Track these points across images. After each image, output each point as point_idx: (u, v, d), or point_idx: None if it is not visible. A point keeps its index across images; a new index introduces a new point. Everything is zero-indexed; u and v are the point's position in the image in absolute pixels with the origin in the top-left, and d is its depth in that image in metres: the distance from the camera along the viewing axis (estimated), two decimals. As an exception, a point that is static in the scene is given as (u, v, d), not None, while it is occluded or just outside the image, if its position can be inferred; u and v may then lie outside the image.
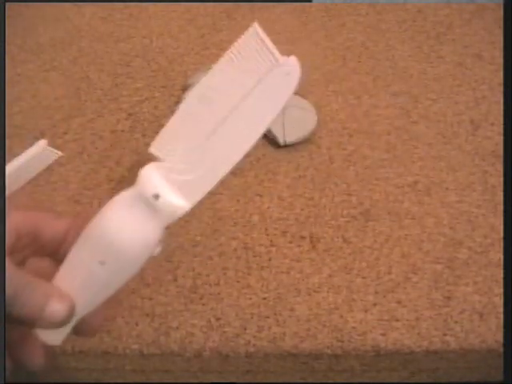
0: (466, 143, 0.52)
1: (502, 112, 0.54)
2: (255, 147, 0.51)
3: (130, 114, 0.55)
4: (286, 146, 0.51)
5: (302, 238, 0.45)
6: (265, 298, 0.42)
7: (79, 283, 0.33)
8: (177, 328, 0.41)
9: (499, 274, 0.43)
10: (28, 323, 0.32)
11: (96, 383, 0.44)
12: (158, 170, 0.32)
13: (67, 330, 0.34)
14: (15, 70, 0.59)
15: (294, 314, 0.41)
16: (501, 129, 0.53)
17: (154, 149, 0.33)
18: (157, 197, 0.31)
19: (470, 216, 0.46)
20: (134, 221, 0.32)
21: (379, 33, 0.63)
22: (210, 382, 0.43)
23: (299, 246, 0.45)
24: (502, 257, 0.44)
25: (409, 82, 0.58)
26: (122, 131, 0.53)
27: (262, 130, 0.32)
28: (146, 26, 0.64)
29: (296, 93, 0.54)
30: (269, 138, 0.52)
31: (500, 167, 0.50)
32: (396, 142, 0.52)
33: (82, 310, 0.33)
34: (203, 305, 0.42)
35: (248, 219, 0.46)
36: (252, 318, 0.41)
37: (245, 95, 0.31)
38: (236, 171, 0.50)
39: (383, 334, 0.40)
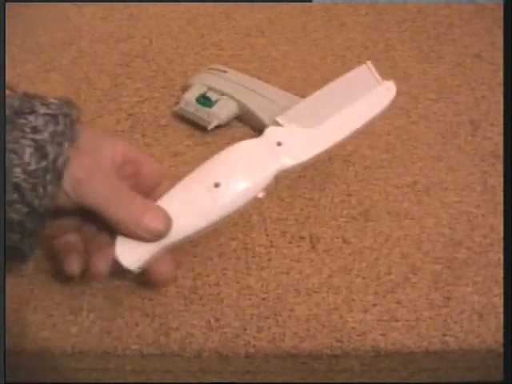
0: (466, 143, 0.52)
1: (501, 112, 0.54)
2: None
3: (129, 114, 0.55)
4: (285, 146, 0.51)
5: (302, 238, 0.45)
6: (264, 299, 0.42)
7: (184, 205, 0.36)
8: (177, 328, 0.41)
9: (499, 274, 0.43)
10: (121, 228, 0.35)
11: (96, 383, 0.44)
12: (283, 130, 0.40)
13: (145, 256, 0.36)
14: (15, 70, 0.59)
15: (294, 315, 0.41)
16: (501, 129, 0.53)
17: (279, 118, 0.41)
18: (279, 144, 0.39)
19: (470, 216, 0.47)
20: (254, 157, 0.38)
21: (379, 33, 0.63)
22: (210, 382, 0.43)
23: (299, 246, 0.45)
24: (501, 257, 0.44)
25: (409, 82, 0.58)
26: (122, 131, 0.53)
27: (361, 123, 0.42)
28: (145, 26, 0.64)
29: (296, 93, 0.54)
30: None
31: (500, 167, 0.50)
32: (396, 142, 0.52)
33: (177, 235, 0.36)
34: (203, 305, 0.42)
35: (247, 219, 0.46)
36: (252, 318, 0.41)
37: (355, 99, 0.42)
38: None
39: (383, 335, 0.40)
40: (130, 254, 0.36)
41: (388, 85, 0.44)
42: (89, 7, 0.67)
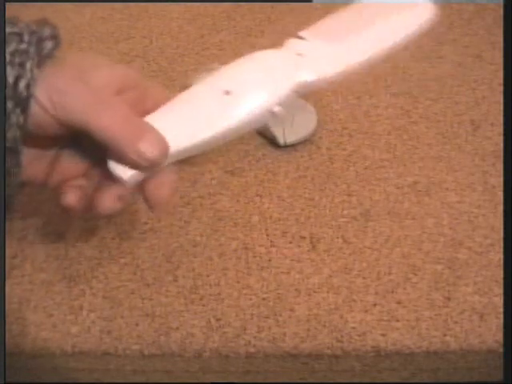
0: (466, 143, 0.52)
1: (502, 112, 0.54)
2: (255, 147, 0.52)
3: (129, 114, 0.54)
4: (286, 146, 0.51)
5: (302, 238, 0.45)
6: (265, 299, 0.42)
7: (189, 112, 0.33)
8: (177, 328, 0.41)
9: (499, 274, 0.43)
10: (111, 147, 0.30)
11: (96, 383, 0.44)
12: (304, 42, 0.37)
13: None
14: (15, 70, 0.59)
15: (294, 315, 0.41)
16: (501, 129, 0.53)
17: (302, 32, 0.37)
18: (300, 55, 0.36)
19: (470, 216, 0.46)
20: (272, 65, 0.35)
21: (379, 33, 0.63)
22: (210, 382, 0.43)
23: (299, 246, 0.45)
24: (502, 257, 0.44)
25: (409, 82, 0.57)
26: (122, 131, 0.53)
27: (391, 42, 0.39)
28: (145, 26, 0.64)
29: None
30: (269, 139, 0.52)
31: (500, 167, 0.50)
32: (396, 142, 0.52)
33: (179, 144, 0.32)
34: (203, 305, 0.42)
35: (248, 219, 0.46)
36: (252, 318, 0.41)
37: (387, 16, 0.39)
38: (236, 171, 0.50)
39: (383, 335, 0.40)
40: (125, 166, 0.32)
41: (426, 4, 0.41)
42: (89, 7, 0.67)
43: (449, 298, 0.42)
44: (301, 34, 0.37)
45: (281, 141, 0.50)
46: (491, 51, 0.61)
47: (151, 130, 0.31)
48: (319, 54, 0.36)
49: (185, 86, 0.55)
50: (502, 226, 0.46)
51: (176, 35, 0.63)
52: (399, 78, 0.58)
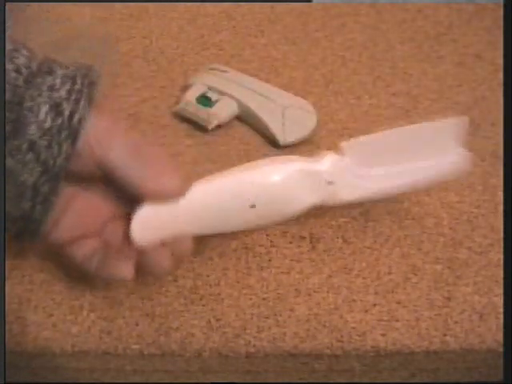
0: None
1: (502, 112, 0.54)
2: (255, 147, 0.52)
3: (129, 114, 0.55)
4: (285, 146, 0.51)
5: (302, 238, 0.45)
6: (265, 299, 0.42)
7: (218, 210, 0.37)
8: (177, 328, 0.41)
9: (499, 274, 0.43)
10: (138, 190, 0.34)
11: (96, 383, 0.44)
12: (340, 163, 0.37)
13: (159, 236, 0.35)
14: (15, 70, 0.59)
15: (294, 315, 0.41)
16: (501, 129, 0.53)
17: (345, 144, 0.37)
18: (331, 183, 0.37)
19: (470, 216, 0.47)
20: (297, 186, 0.37)
21: (379, 33, 0.63)
22: (210, 382, 0.43)
23: (299, 246, 0.45)
24: (501, 257, 0.44)
25: (409, 82, 0.57)
26: (122, 131, 0.53)
27: (419, 184, 0.40)
28: (146, 25, 0.64)
29: (296, 93, 0.54)
30: (268, 138, 0.52)
31: (500, 167, 0.50)
32: (396, 142, 0.52)
33: (198, 229, 0.37)
34: (203, 305, 0.42)
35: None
36: (252, 318, 0.41)
37: (426, 154, 0.39)
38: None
39: (383, 335, 0.40)
40: (145, 229, 0.35)
41: (464, 154, 0.40)
42: (89, 7, 0.67)
43: (449, 298, 0.42)
44: (343, 145, 0.37)
45: (281, 141, 0.50)
46: (491, 51, 0.61)
47: (172, 165, 0.35)
48: (347, 182, 0.37)
49: (185, 86, 0.56)
50: (501, 226, 0.46)
51: (176, 35, 0.63)
52: (399, 77, 0.58)
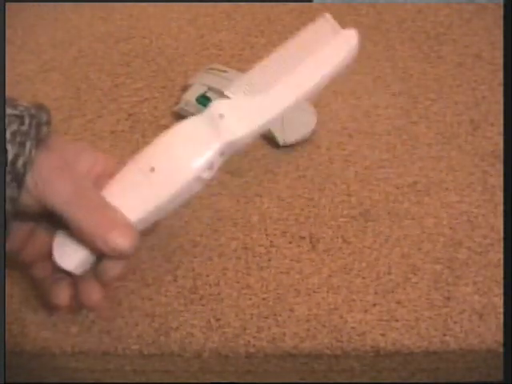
0: (466, 143, 0.52)
1: (502, 112, 0.54)
2: (255, 147, 0.52)
3: (130, 115, 0.55)
4: (285, 146, 0.51)
5: (302, 238, 0.45)
6: (264, 299, 0.42)
7: (125, 194, 0.34)
8: (177, 328, 0.41)
9: (499, 274, 0.43)
10: (84, 236, 0.32)
11: (96, 383, 0.44)
12: (227, 103, 0.36)
13: (82, 256, 0.34)
14: (15, 70, 0.59)
15: (294, 315, 0.41)
16: (501, 129, 0.53)
17: (226, 90, 0.36)
18: (221, 116, 0.35)
19: (470, 216, 0.47)
20: (192, 134, 0.35)
21: (379, 33, 0.63)
22: (210, 382, 0.43)
23: (299, 246, 0.45)
24: (501, 257, 0.44)
25: (409, 82, 0.57)
26: (122, 131, 0.53)
27: (317, 79, 0.37)
28: (145, 26, 0.64)
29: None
30: (268, 138, 0.52)
31: (500, 167, 0.50)
32: (396, 142, 0.52)
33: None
34: (203, 305, 0.42)
35: (248, 219, 0.46)
36: (252, 318, 0.41)
37: (310, 55, 0.37)
38: (236, 171, 0.50)
39: (383, 335, 0.40)
40: (70, 254, 0.34)
41: (348, 33, 0.38)
42: (89, 7, 0.67)
43: (448, 298, 0.42)
44: (225, 91, 0.36)
45: (280, 141, 0.50)
46: (491, 51, 0.61)
47: (123, 221, 0.33)
48: (241, 112, 0.36)
49: (185, 86, 0.56)
50: (501, 226, 0.46)
51: (176, 35, 0.63)
52: (399, 77, 0.58)
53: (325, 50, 0.38)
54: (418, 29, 0.64)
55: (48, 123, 0.33)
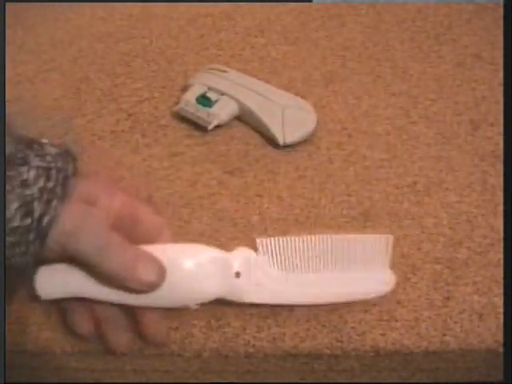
0: (466, 143, 0.52)
1: (502, 112, 0.54)
2: (255, 147, 0.52)
3: (129, 115, 0.55)
4: (285, 146, 0.51)
5: (302, 238, 0.45)
6: (264, 299, 0.42)
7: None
8: (177, 328, 0.41)
9: (499, 274, 0.43)
10: (112, 279, 0.33)
11: (96, 383, 0.44)
12: (251, 259, 0.36)
13: (61, 287, 0.35)
14: (15, 70, 0.59)
15: (294, 315, 0.41)
16: (501, 129, 0.53)
17: (260, 240, 0.37)
18: (238, 274, 0.36)
19: (470, 216, 0.47)
20: (207, 274, 0.36)
21: (379, 33, 0.63)
22: (210, 381, 0.43)
23: (299, 246, 0.45)
24: (501, 257, 0.44)
25: (409, 82, 0.58)
26: (122, 131, 0.53)
27: (337, 300, 0.39)
28: (146, 26, 0.64)
29: (296, 93, 0.54)
30: (269, 138, 0.52)
31: (500, 167, 0.50)
32: (396, 142, 0.52)
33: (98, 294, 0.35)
34: (203, 305, 0.42)
35: (248, 219, 0.46)
36: (251, 318, 0.41)
37: (348, 269, 0.38)
38: (236, 171, 0.50)
39: (383, 335, 0.40)
40: (50, 285, 0.35)
41: (389, 276, 0.39)
42: (89, 7, 0.67)
43: (448, 298, 0.42)
44: (259, 241, 0.37)
45: (280, 141, 0.50)
46: (491, 51, 0.61)
47: (147, 256, 0.34)
48: (256, 281, 0.36)
49: (185, 86, 0.56)
50: (501, 226, 0.46)
51: (176, 35, 0.63)
52: (399, 77, 0.58)
53: (362, 280, 0.38)
54: (417, 29, 0.64)
55: (74, 173, 0.33)
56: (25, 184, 0.31)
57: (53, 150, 0.33)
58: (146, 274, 0.33)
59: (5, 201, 0.32)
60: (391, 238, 0.38)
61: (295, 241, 0.38)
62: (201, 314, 0.41)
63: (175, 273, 0.35)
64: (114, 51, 0.61)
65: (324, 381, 0.43)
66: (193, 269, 0.36)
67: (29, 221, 0.31)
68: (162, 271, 0.34)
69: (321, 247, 0.38)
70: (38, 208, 0.31)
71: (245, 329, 0.40)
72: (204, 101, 0.52)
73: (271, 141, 0.51)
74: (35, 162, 0.31)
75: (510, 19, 0.50)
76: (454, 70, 0.59)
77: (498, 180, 0.49)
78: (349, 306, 0.41)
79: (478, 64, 0.59)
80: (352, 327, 0.40)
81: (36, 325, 0.41)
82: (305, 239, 0.38)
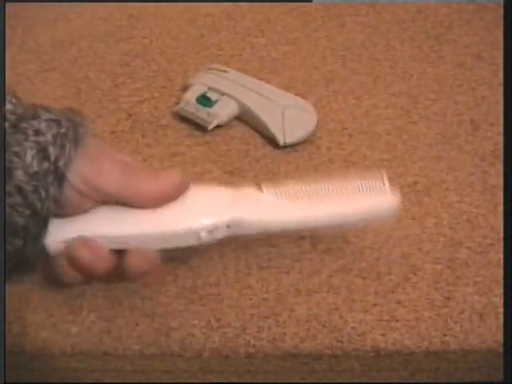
0: (466, 143, 0.52)
1: (502, 112, 0.54)
2: (255, 147, 0.52)
3: (130, 115, 0.55)
4: (285, 146, 0.51)
5: (302, 238, 0.45)
6: (265, 299, 0.42)
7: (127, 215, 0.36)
8: (177, 328, 0.41)
9: (499, 274, 0.43)
10: (139, 193, 0.36)
11: (96, 383, 0.44)
12: (257, 193, 0.38)
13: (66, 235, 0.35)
14: (15, 70, 0.59)
15: (294, 315, 0.41)
16: (501, 129, 0.53)
17: (264, 186, 0.38)
18: (244, 195, 0.38)
19: (470, 216, 0.46)
20: (214, 196, 0.38)
21: (379, 33, 0.63)
22: (210, 382, 0.43)
23: (299, 246, 0.45)
24: (501, 257, 0.44)
25: (409, 82, 0.58)
26: (122, 131, 0.53)
27: (342, 221, 0.39)
28: (145, 26, 0.64)
29: (296, 93, 0.54)
30: (268, 138, 0.52)
31: (500, 167, 0.50)
32: (396, 142, 0.52)
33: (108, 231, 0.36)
34: (203, 305, 0.42)
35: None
36: (252, 318, 0.41)
37: (350, 199, 0.38)
38: (236, 171, 0.50)
39: (383, 335, 0.40)
40: (56, 232, 0.36)
41: (392, 198, 0.38)
42: (89, 7, 0.67)
43: (448, 298, 0.42)
44: (262, 186, 0.38)
45: (280, 141, 0.50)
46: (491, 51, 0.61)
47: (166, 171, 0.37)
48: (262, 205, 0.38)
49: (185, 86, 0.56)
50: (501, 226, 0.46)
51: (176, 35, 0.63)
52: (399, 77, 0.58)
53: (363, 203, 0.38)
54: (418, 29, 0.64)
55: (83, 124, 0.35)
56: (38, 132, 0.33)
57: (58, 109, 0.35)
58: (170, 178, 0.36)
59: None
60: (384, 173, 0.39)
61: (296, 186, 0.39)
62: (201, 314, 0.41)
63: (186, 196, 0.37)
64: (114, 51, 0.61)
65: (324, 381, 0.43)
66: (202, 191, 0.38)
67: (46, 165, 0.32)
68: (183, 179, 0.36)
69: (322, 187, 0.39)
70: (53, 152, 0.33)
71: (245, 329, 0.40)
72: (204, 101, 0.52)
73: (271, 141, 0.51)
74: (45, 115, 0.34)
75: (510, 19, 0.51)
76: (454, 69, 0.59)
77: (497, 180, 0.49)
78: (349, 306, 0.41)
79: (478, 64, 0.59)
80: (352, 327, 0.40)
81: (35, 325, 0.41)
82: (305, 184, 0.39)
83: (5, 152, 0.32)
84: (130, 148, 0.51)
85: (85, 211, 0.36)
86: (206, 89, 0.53)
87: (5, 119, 0.33)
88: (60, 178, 0.33)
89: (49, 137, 0.33)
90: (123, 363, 0.41)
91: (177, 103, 0.54)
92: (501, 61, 0.59)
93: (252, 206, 0.37)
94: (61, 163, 0.33)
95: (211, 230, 0.36)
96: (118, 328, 0.41)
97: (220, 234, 0.37)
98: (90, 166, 0.34)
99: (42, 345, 0.40)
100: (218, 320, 0.41)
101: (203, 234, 0.36)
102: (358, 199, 0.38)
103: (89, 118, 0.49)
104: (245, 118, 0.53)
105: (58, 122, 0.34)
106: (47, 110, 0.34)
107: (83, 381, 0.43)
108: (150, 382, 0.44)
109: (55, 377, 0.43)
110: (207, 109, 0.52)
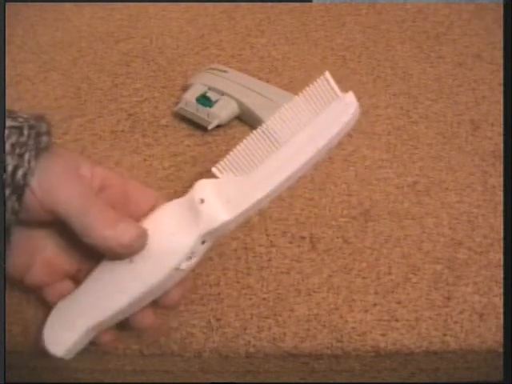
0: (466, 143, 0.52)
1: (502, 112, 0.54)
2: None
3: (130, 114, 0.55)
4: (285, 146, 0.51)
5: (302, 238, 0.45)
6: (265, 299, 0.42)
7: (107, 283, 0.34)
8: (177, 328, 0.41)
9: (499, 274, 0.43)
10: (91, 238, 0.32)
11: (96, 383, 0.44)
12: (211, 184, 0.34)
13: (74, 343, 0.34)
14: (15, 70, 0.59)
15: (294, 315, 0.41)
16: (501, 129, 0.53)
17: (215, 169, 0.35)
18: (202, 201, 0.33)
19: (470, 216, 0.47)
20: (171, 223, 0.34)
21: (379, 33, 0.63)
22: (210, 382, 0.43)
23: (299, 246, 0.45)
24: (501, 257, 0.44)
25: (409, 82, 0.58)
26: (122, 131, 0.53)
27: (311, 153, 0.35)
28: (145, 26, 0.64)
29: (296, 93, 0.54)
30: (269, 138, 0.51)
31: (500, 167, 0.50)
32: (396, 142, 0.52)
33: (101, 314, 0.34)
34: (203, 305, 0.42)
35: (248, 219, 0.46)
36: (252, 318, 0.41)
37: (305, 124, 0.35)
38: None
39: (383, 335, 0.40)
40: (59, 342, 0.34)
41: (347, 98, 0.36)
42: (89, 7, 0.67)
43: (448, 298, 0.42)
44: (214, 169, 0.35)
45: (281, 141, 0.50)
46: (491, 51, 0.61)
47: (129, 219, 0.33)
48: (224, 194, 0.34)
49: (185, 86, 0.56)
50: (501, 226, 0.46)
51: (176, 35, 0.63)
52: (399, 77, 0.58)
53: (321, 121, 0.35)
54: (417, 29, 0.64)
55: (48, 133, 0.33)
56: None
57: (25, 115, 0.33)
58: (128, 232, 0.32)
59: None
60: (327, 73, 0.36)
61: (242, 146, 0.35)
62: (201, 314, 0.41)
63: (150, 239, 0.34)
64: (114, 51, 0.61)
65: (324, 381, 0.43)
66: (163, 226, 0.34)
67: (3, 176, 0.31)
68: (143, 233, 0.33)
69: (268, 132, 0.35)
70: (10, 162, 0.31)
71: (245, 329, 0.41)
72: (204, 101, 0.52)
73: (271, 141, 0.51)
74: (8, 122, 0.32)
75: (510, 19, 0.51)
76: (454, 69, 0.59)
77: (498, 180, 0.49)
78: (349, 306, 0.41)
79: (478, 64, 0.59)
80: (352, 327, 0.40)
81: (36, 325, 0.41)
82: (247, 139, 0.35)
83: (5, 152, 0.31)
84: (130, 148, 0.51)
85: (42, 223, 0.34)
86: (205, 89, 0.53)
87: (4, 122, 0.32)
88: (18, 190, 0.31)
89: (7, 146, 0.31)
90: (123, 363, 0.41)
91: (177, 103, 0.54)
92: (501, 61, 0.59)
93: (214, 207, 0.33)
94: (19, 174, 0.31)
95: (189, 257, 0.34)
96: (118, 328, 0.41)
97: (200, 253, 0.34)
98: (49, 178, 0.32)
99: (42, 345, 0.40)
100: (218, 320, 0.41)
101: (183, 266, 0.34)
102: (318, 119, 0.34)
103: (88, 119, 0.49)
104: (245, 118, 0.53)
105: (19, 130, 0.31)
106: (13, 116, 0.32)
107: (83, 381, 0.43)
108: (149, 381, 0.44)
109: (55, 376, 0.43)
110: (207, 109, 0.52)
